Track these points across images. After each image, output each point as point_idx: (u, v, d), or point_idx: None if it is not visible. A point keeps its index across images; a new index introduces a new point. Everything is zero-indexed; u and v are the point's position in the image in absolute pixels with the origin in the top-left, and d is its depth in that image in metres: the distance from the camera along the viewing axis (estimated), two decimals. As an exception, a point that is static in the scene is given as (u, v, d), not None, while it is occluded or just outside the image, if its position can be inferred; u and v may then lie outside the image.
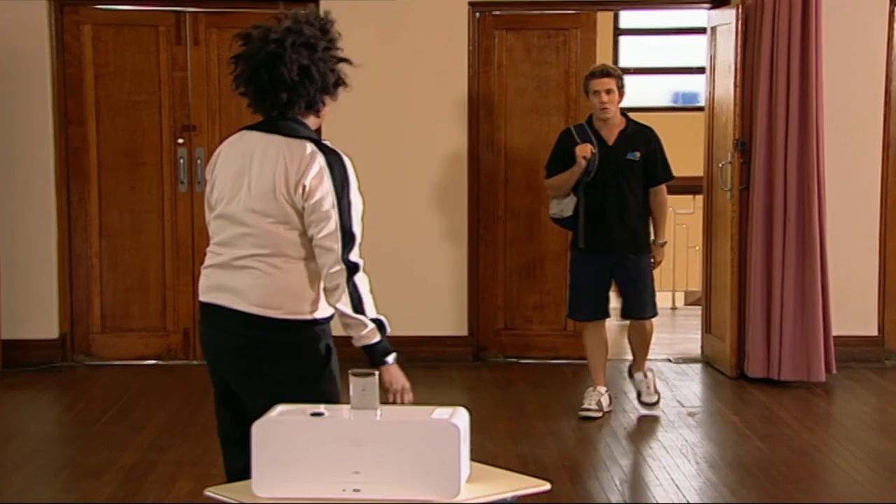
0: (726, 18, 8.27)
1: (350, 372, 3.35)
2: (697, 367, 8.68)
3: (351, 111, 8.49)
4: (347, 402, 3.49)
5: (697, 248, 10.81)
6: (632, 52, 13.01)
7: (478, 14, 8.59)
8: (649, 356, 7.54)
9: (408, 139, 8.59)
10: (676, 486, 6.00)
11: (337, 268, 3.77)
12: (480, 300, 8.76)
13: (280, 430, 3.24)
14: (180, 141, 8.63)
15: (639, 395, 7.43)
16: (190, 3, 8.57)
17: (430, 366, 8.32)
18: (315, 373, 3.86)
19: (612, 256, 7.14)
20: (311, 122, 4.01)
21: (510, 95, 8.67)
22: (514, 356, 8.81)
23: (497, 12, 8.64)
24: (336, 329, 3.97)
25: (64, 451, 6.65)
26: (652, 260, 7.21)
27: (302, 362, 3.85)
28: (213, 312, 3.93)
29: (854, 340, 8.48)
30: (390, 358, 3.83)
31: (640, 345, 7.42)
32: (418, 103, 8.57)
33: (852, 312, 8.46)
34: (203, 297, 3.99)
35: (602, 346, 7.28)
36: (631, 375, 7.55)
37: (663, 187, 7.21)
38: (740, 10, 8.07)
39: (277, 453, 3.22)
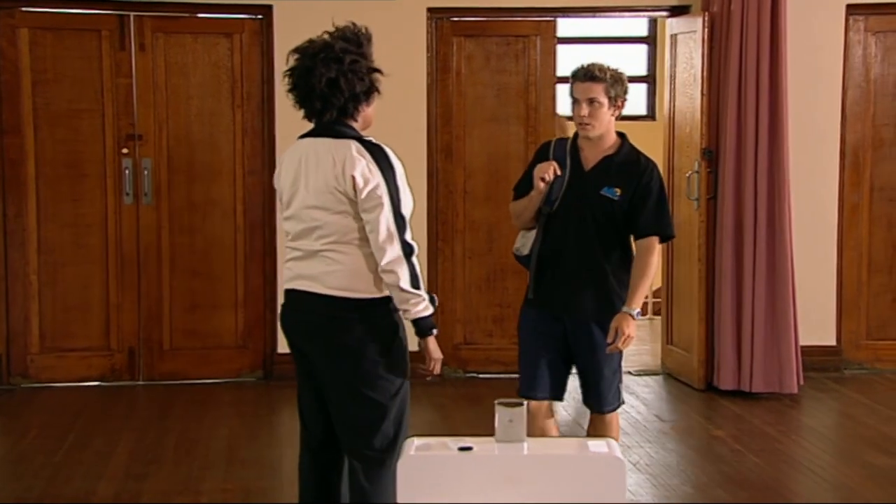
0: (691, 26, 8.17)
1: (496, 402, 3.15)
2: (659, 378, 8.57)
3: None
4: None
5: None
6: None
7: (435, 20, 8.36)
8: None
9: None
10: (690, 504, 5.87)
11: (395, 249, 4.21)
12: (439, 314, 8.43)
13: (427, 465, 2.98)
14: (125, 151, 8.21)
15: None
16: (135, 7, 8.17)
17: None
18: (387, 345, 4.33)
19: (568, 320, 5.27)
20: (356, 125, 4.44)
21: (469, 104, 8.46)
22: (475, 371, 8.58)
23: (455, 18, 8.42)
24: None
25: (33, 482, 6.20)
26: (613, 334, 5.08)
27: (376, 336, 4.31)
28: (296, 297, 4.40)
29: (813, 350, 8.42)
30: (435, 331, 4.36)
31: None
32: (375, 111, 8.29)
33: (811, 322, 8.42)
34: (287, 285, 4.47)
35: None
36: None
37: (653, 242, 5.17)
38: (706, 18, 7.98)
39: (424, 491, 2.95)
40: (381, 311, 4.32)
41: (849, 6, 8.49)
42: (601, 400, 5.32)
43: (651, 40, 12.73)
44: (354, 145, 4.28)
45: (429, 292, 4.34)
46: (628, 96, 5.18)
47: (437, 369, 4.44)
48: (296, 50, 4.38)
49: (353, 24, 4.42)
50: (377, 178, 4.22)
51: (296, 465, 6.37)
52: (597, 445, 3.04)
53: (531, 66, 8.44)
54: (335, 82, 4.29)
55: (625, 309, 5.09)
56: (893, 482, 6.21)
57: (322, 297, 4.30)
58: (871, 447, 6.84)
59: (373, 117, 4.52)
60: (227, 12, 8.31)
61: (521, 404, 3.10)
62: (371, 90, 4.40)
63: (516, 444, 3.04)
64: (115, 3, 8.15)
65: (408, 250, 4.24)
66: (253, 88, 8.29)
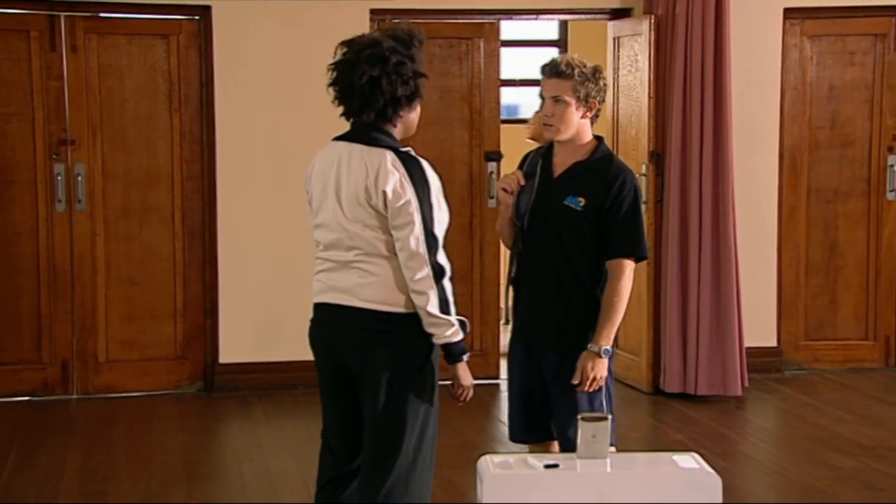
0: (636, 29, 8.13)
1: (580, 416, 3.01)
2: (604, 383, 8.51)
3: (246, 122, 8.00)
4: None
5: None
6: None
7: (378, 22, 8.20)
8: None
9: (306, 153, 8.01)
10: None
11: (424, 270, 4.00)
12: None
13: (514, 484, 2.85)
14: (56, 156, 7.90)
15: None
16: (65, 6, 7.85)
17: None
18: (421, 362, 4.11)
19: (534, 349, 4.69)
20: (395, 131, 4.20)
21: (412, 107, 8.30)
22: (419, 379, 8.42)
23: (398, 20, 8.25)
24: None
25: (-18, 504, 5.95)
26: (578, 375, 4.44)
27: (412, 352, 4.09)
28: (328, 311, 4.21)
29: (755, 352, 8.42)
30: (466, 356, 4.17)
31: None
32: (316, 114, 7.99)
33: (753, 324, 8.41)
34: (317, 299, 4.26)
35: None
36: None
37: (623, 265, 4.53)
38: (653, 21, 7.94)
39: (513, 512, 2.82)
40: (417, 327, 4.05)
41: (786, 10, 8.53)
42: (570, 442, 4.13)
43: (561, 43, 12.71)
44: (390, 156, 4.05)
45: (460, 317, 4.11)
46: (603, 95, 4.60)
47: (469, 396, 4.24)
48: (344, 43, 4.17)
49: (407, 25, 4.25)
50: (409, 193, 4.00)
51: (261, 479, 6.28)
52: (684, 460, 2.93)
53: (475, 69, 8.33)
54: (377, 82, 4.06)
55: (591, 346, 4.47)
56: (864, 483, 6.21)
57: (356, 310, 4.10)
58: (830, 449, 6.82)
59: (416, 124, 4.27)
60: (163, 13, 8.04)
61: (606, 419, 2.98)
62: (414, 96, 4.17)
63: (599, 460, 2.92)
64: (44, 2, 7.84)
65: (438, 272, 4.00)
66: (191, 92, 8.04)
